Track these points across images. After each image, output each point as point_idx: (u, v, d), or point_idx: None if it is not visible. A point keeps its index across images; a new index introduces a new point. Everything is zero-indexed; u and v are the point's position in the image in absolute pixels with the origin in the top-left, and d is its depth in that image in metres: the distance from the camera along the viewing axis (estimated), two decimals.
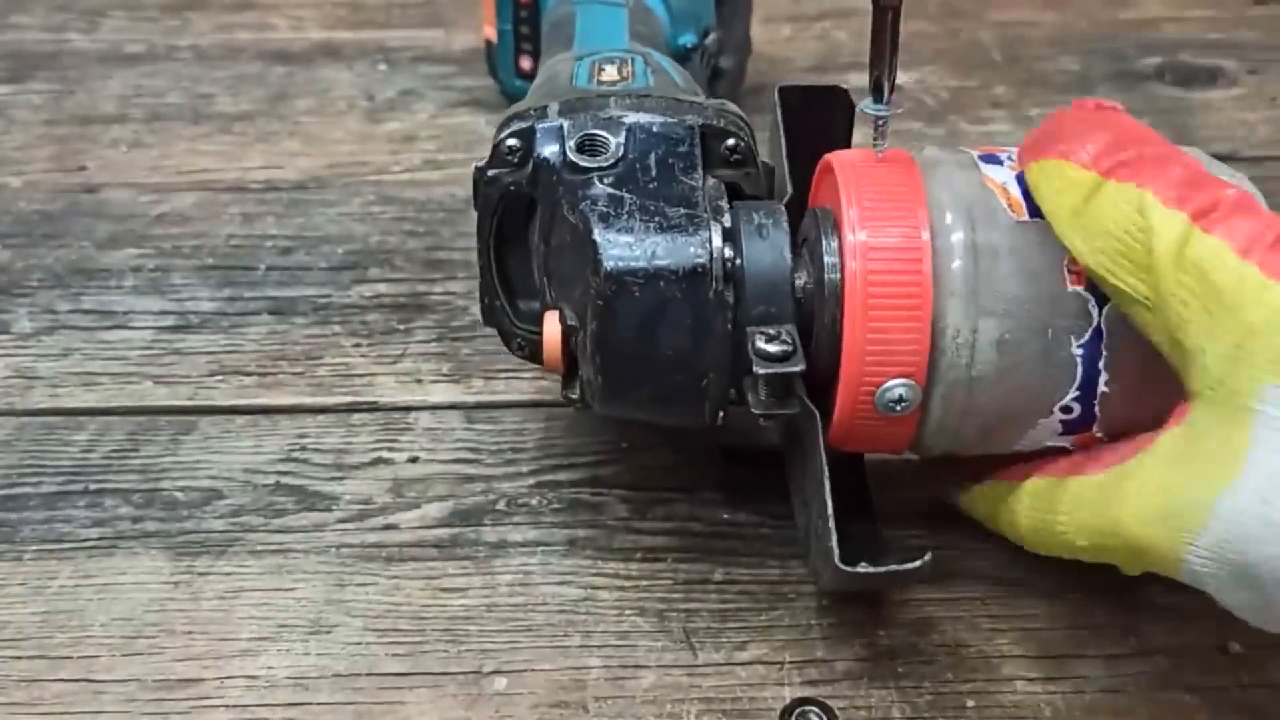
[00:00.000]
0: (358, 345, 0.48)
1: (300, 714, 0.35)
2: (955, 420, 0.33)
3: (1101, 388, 0.33)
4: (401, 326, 0.49)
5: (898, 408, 0.33)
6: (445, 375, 0.47)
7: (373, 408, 0.46)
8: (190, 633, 0.37)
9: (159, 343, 0.49)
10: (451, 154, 0.59)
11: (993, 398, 0.33)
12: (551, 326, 0.36)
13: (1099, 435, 0.34)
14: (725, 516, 0.41)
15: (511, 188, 0.36)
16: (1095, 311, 0.32)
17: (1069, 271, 0.32)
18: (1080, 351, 0.32)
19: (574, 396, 0.37)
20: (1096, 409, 0.33)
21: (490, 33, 0.59)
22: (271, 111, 0.63)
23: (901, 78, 0.66)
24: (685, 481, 0.42)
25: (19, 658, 0.37)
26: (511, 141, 0.36)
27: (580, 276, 0.34)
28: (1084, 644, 0.36)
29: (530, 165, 0.36)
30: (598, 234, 0.33)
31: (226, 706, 0.35)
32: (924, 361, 0.32)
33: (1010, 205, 0.33)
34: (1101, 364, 0.32)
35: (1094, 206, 0.30)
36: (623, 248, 0.33)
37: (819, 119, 0.39)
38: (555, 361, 0.36)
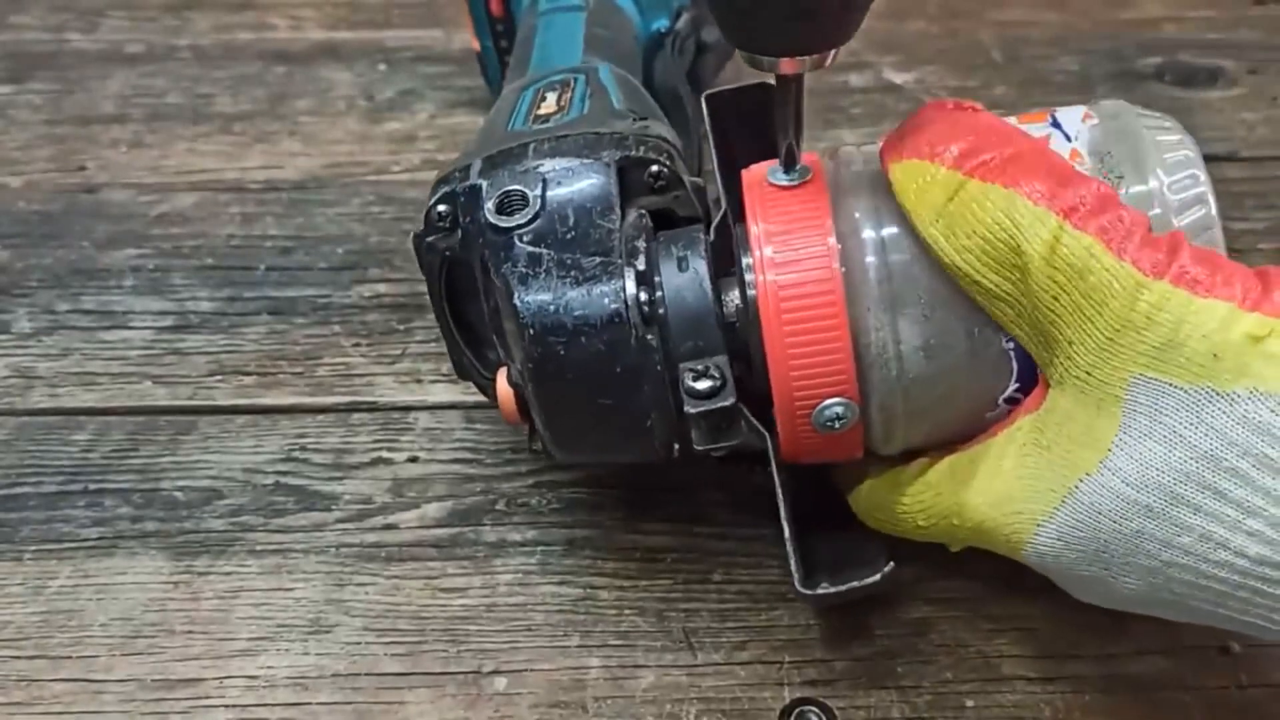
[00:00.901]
0: (357, 345, 0.48)
1: (300, 714, 0.35)
2: (900, 426, 0.33)
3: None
4: (401, 326, 0.49)
5: (836, 425, 0.33)
6: (445, 375, 0.47)
7: (372, 408, 0.46)
8: (190, 633, 0.37)
9: (159, 343, 0.49)
10: (451, 154, 0.59)
11: (932, 400, 0.33)
12: (503, 385, 0.36)
13: None
14: (725, 517, 0.41)
15: (447, 253, 0.37)
16: None
17: None
18: (1011, 345, 0.32)
19: (537, 448, 0.37)
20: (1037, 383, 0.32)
21: (476, 45, 0.59)
22: (271, 111, 0.63)
23: (901, 77, 0.67)
24: (685, 482, 0.42)
25: (19, 658, 0.37)
26: (440, 208, 0.36)
27: (514, 337, 0.34)
28: (1084, 644, 0.36)
29: (459, 230, 0.36)
30: (517, 297, 0.33)
31: (226, 706, 0.35)
32: (852, 376, 0.32)
33: None
34: None
35: (958, 205, 0.30)
36: (541, 307, 0.33)
37: (755, 119, 0.38)
38: (513, 417, 0.36)
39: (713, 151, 0.38)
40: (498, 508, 0.41)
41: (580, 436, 0.35)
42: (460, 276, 0.37)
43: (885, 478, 0.35)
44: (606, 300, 0.33)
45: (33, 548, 0.40)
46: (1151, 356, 0.28)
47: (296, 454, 0.44)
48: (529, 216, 0.35)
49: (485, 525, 0.41)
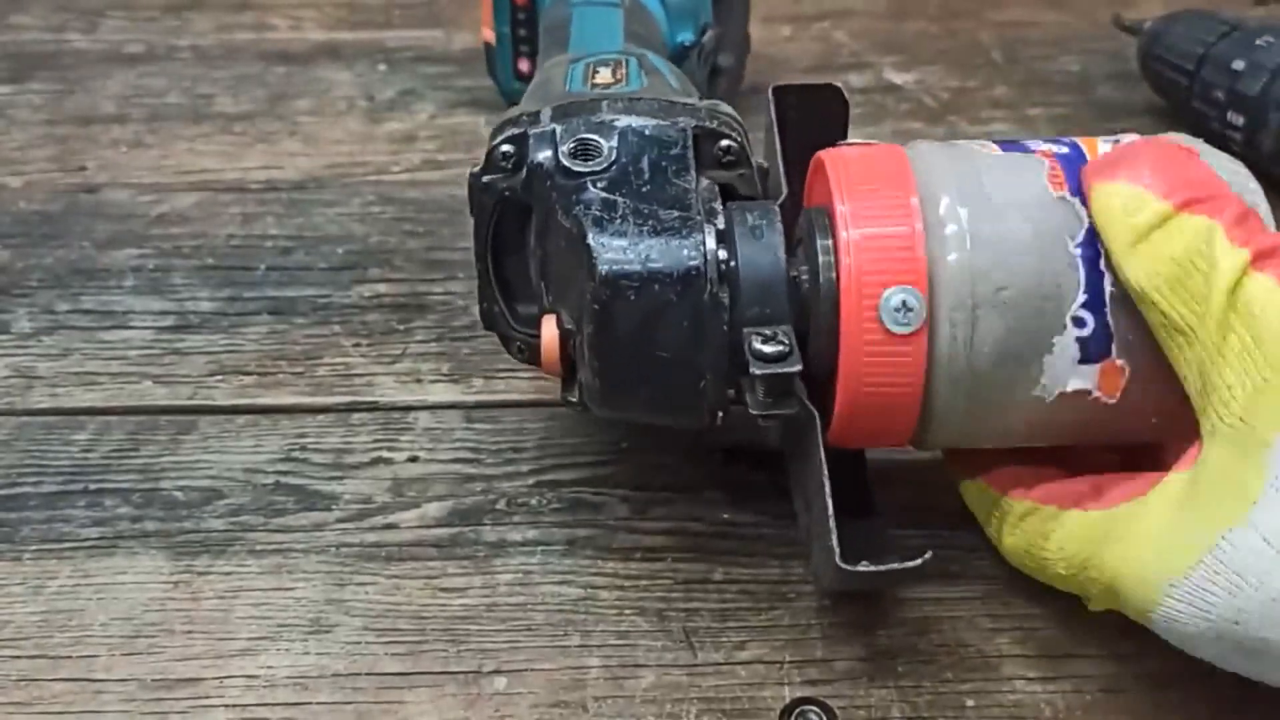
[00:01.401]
0: (357, 345, 0.48)
1: (300, 714, 0.35)
2: (963, 358, 0.33)
3: (1109, 288, 0.32)
4: (401, 326, 0.49)
5: (902, 318, 0.32)
6: (445, 375, 0.47)
7: (372, 408, 0.46)
8: (190, 632, 0.37)
9: (159, 343, 0.49)
10: (451, 154, 0.59)
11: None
12: (549, 330, 0.36)
13: (1122, 366, 0.33)
14: (725, 516, 0.41)
15: (506, 193, 0.36)
16: (1085, 214, 0.33)
17: (1050, 180, 0.33)
18: (1079, 250, 0.32)
19: (573, 399, 0.37)
20: (1109, 320, 0.32)
21: (489, 35, 0.59)
22: (271, 111, 0.63)
23: (901, 77, 0.67)
24: (685, 481, 0.42)
25: (19, 658, 0.37)
26: (505, 147, 0.36)
27: (576, 280, 0.34)
28: (1084, 644, 0.36)
29: (524, 171, 0.36)
30: (592, 238, 0.33)
31: (226, 706, 0.35)
32: (923, 266, 0.32)
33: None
34: (1103, 265, 0.32)
35: (1162, 233, 0.31)
36: (617, 251, 0.33)
37: (814, 118, 0.39)
38: (554, 365, 0.36)
39: (776, 140, 0.38)
40: (498, 508, 0.41)
41: (630, 390, 0.35)
42: (503, 226, 0.37)
43: (1034, 521, 0.35)
44: (686, 253, 0.33)
45: (33, 548, 0.40)
46: None
47: (296, 454, 0.44)
48: (604, 164, 0.35)
49: (485, 525, 0.41)
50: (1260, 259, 0.29)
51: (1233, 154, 0.34)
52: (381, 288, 0.51)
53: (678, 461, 0.42)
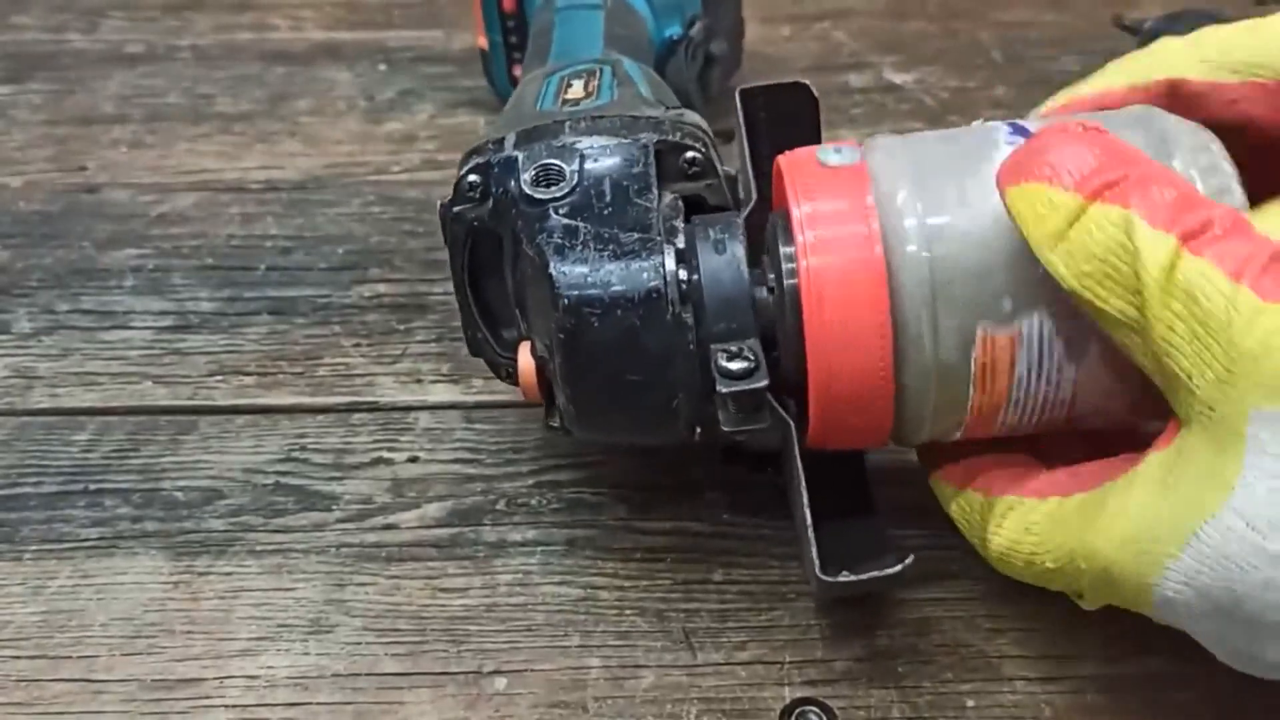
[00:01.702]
0: (358, 345, 0.48)
1: (300, 714, 0.35)
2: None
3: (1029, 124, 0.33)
4: (401, 326, 0.49)
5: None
6: (445, 375, 0.47)
7: (373, 408, 0.46)
8: (190, 633, 0.37)
9: (159, 343, 0.49)
10: (451, 154, 0.59)
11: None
12: (525, 359, 0.36)
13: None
14: (725, 517, 0.41)
15: (475, 223, 0.37)
16: None
17: None
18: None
19: (555, 425, 0.37)
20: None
21: (483, 42, 0.59)
22: (271, 111, 0.63)
23: (901, 77, 0.67)
24: (685, 481, 0.42)
25: (19, 658, 0.37)
26: (472, 177, 0.36)
27: (545, 308, 0.34)
28: (1084, 644, 0.36)
29: (490, 200, 0.36)
30: (553, 267, 0.34)
31: (226, 706, 0.35)
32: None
33: None
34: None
35: (1078, 230, 0.29)
36: (578, 279, 0.33)
37: (786, 118, 0.39)
38: (533, 392, 0.36)
39: (744, 145, 0.38)
40: (498, 508, 0.41)
41: (604, 413, 0.35)
42: (481, 253, 0.37)
43: (1015, 516, 0.34)
44: (645, 275, 0.33)
45: (33, 548, 0.40)
46: (1270, 387, 0.26)
47: (296, 454, 0.44)
48: (566, 190, 0.35)
49: (485, 525, 0.41)
50: (1190, 239, 0.28)
51: None
52: (381, 288, 0.51)
53: (678, 462, 0.42)
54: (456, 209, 0.37)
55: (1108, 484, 0.31)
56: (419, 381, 0.47)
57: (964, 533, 0.36)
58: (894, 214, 0.32)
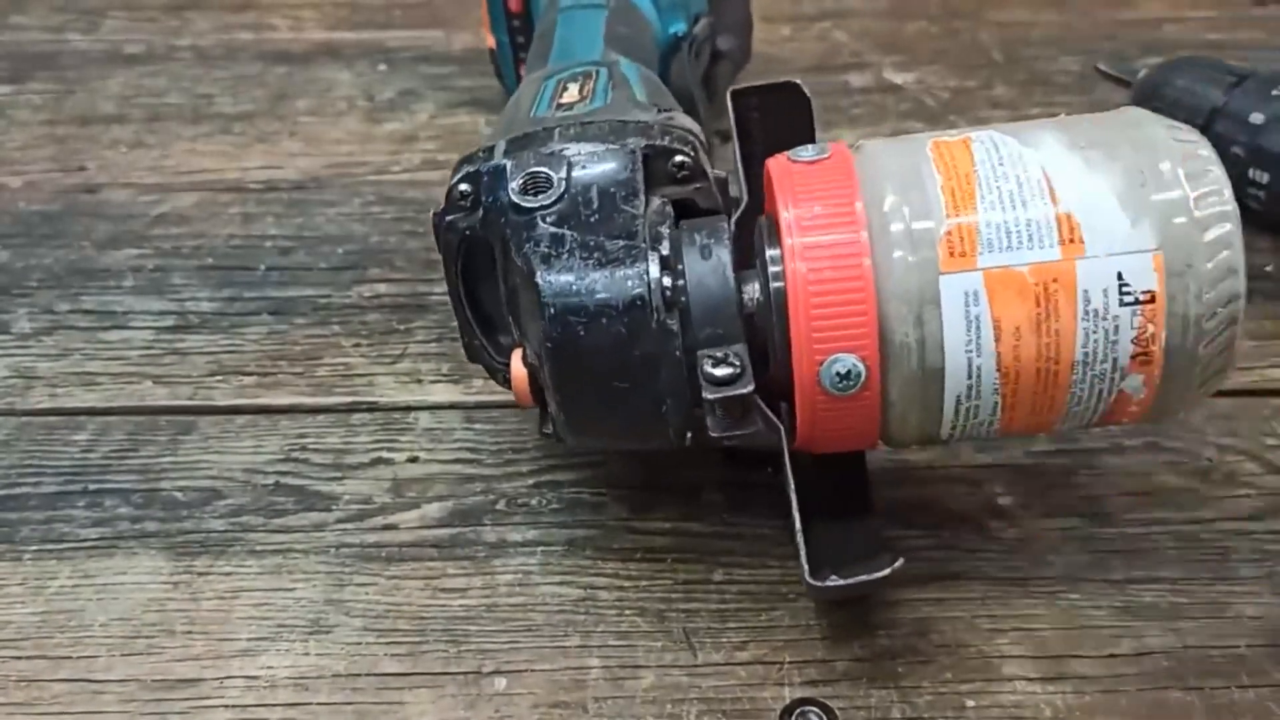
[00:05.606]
0: (357, 345, 0.48)
1: (300, 714, 0.35)
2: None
3: None
4: (401, 326, 0.49)
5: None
6: (445, 375, 0.47)
7: (373, 408, 0.46)
8: (190, 633, 0.37)
9: (159, 343, 0.49)
10: (451, 154, 0.59)
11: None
12: (517, 366, 0.36)
13: None
14: (725, 517, 0.41)
15: (467, 232, 0.37)
16: None
17: None
18: None
19: (548, 431, 0.37)
20: None
21: (491, 41, 0.59)
22: (271, 111, 0.63)
23: (901, 77, 0.67)
24: (685, 482, 0.42)
25: (19, 658, 0.37)
26: (463, 186, 0.36)
27: (533, 316, 0.34)
28: (1084, 644, 0.36)
29: (481, 209, 0.36)
30: (539, 276, 0.34)
31: (226, 706, 0.35)
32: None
33: None
34: None
35: None
36: (563, 287, 0.33)
37: (779, 118, 0.38)
38: (526, 399, 0.36)
39: (736, 147, 0.38)
40: (498, 508, 0.41)
41: (594, 420, 0.35)
42: (476, 260, 0.37)
43: None
44: (629, 283, 0.33)
45: (33, 548, 0.40)
46: None
47: (296, 454, 0.44)
48: (553, 198, 0.35)
49: (485, 525, 0.41)
50: None
51: (1253, 213, 0.33)
52: (381, 288, 0.51)
53: (678, 462, 0.42)
54: (449, 218, 0.37)
55: None
56: (419, 381, 0.47)
57: None
58: (881, 219, 0.32)
